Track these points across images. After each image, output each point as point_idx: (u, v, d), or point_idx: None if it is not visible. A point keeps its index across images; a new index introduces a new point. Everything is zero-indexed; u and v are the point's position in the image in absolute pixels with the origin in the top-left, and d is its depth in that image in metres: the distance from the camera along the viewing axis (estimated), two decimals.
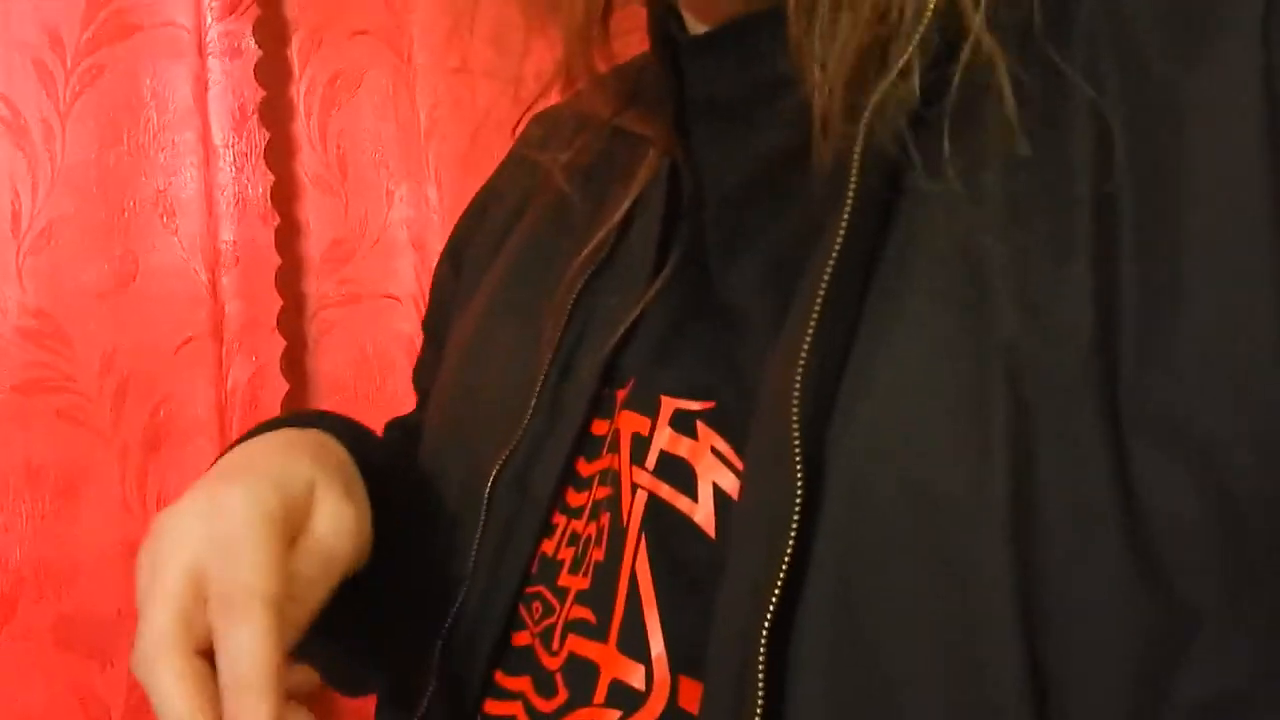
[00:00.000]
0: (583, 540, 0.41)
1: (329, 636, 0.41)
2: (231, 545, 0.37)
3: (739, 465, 0.37)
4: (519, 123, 0.55)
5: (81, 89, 0.92)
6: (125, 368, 0.94)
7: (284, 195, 0.96)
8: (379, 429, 0.60)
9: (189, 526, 0.38)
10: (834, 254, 0.33)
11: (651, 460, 0.39)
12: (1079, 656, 0.28)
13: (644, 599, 0.37)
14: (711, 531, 0.37)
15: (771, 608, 0.31)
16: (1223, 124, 0.30)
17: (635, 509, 0.39)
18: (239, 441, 0.47)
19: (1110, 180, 0.31)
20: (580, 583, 0.40)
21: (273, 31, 0.95)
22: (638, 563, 0.38)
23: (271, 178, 0.93)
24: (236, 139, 0.93)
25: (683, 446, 0.39)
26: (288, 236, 0.97)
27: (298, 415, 0.53)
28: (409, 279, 0.99)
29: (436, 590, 0.45)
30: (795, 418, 0.32)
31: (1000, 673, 0.29)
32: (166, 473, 0.95)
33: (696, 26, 0.44)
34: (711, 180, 0.43)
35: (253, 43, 0.92)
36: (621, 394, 0.42)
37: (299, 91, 0.97)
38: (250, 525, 0.37)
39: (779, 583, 0.31)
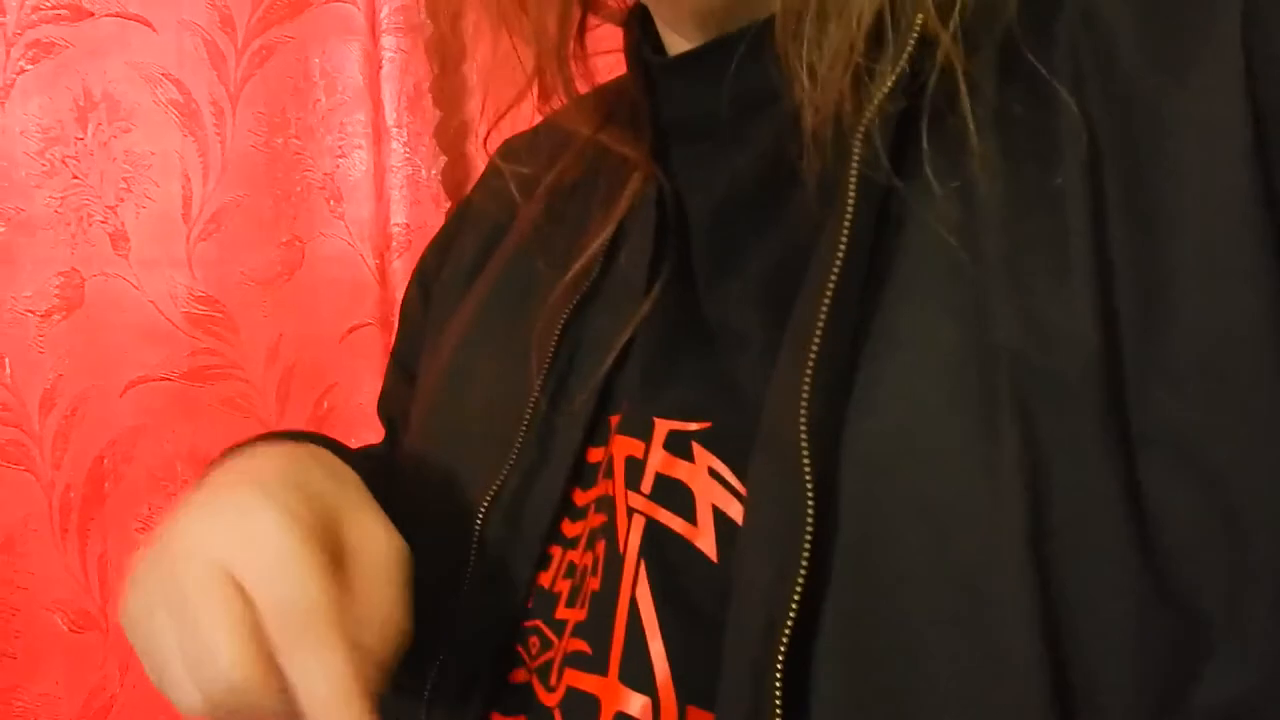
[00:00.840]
0: (580, 571, 0.40)
1: None
2: (267, 552, 0.34)
3: (738, 486, 0.36)
4: (487, 135, 0.53)
5: (252, 70, 0.90)
6: (291, 356, 0.92)
7: (456, 177, 0.93)
8: None
9: (206, 530, 0.35)
10: (835, 270, 0.33)
11: (647, 484, 0.38)
12: (1099, 670, 0.28)
13: (646, 627, 0.36)
14: (713, 555, 0.36)
15: (786, 636, 0.30)
16: (1207, 134, 0.30)
17: (632, 535, 0.38)
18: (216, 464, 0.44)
19: (1101, 192, 0.31)
20: (578, 614, 0.39)
21: (446, 6, 0.92)
22: (638, 589, 0.37)
23: (444, 159, 0.90)
24: (410, 118, 0.89)
25: (679, 469, 0.38)
26: None
27: (274, 435, 0.49)
28: None
29: (419, 628, 0.42)
30: (804, 438, 0.31)
31: (1022, 691, 0.28)
32: None
33: (676, 46, 0.43)
34: (694, 201, 0.42)
35: (426, 19, 0.89)
36: (615, 419, 0.41)
37: (473, 69, 0.93)
38: (284, 531, 0.34)
39: (792, 609, 0.30)
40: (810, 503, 0.31)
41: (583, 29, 0.47)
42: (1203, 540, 0.28)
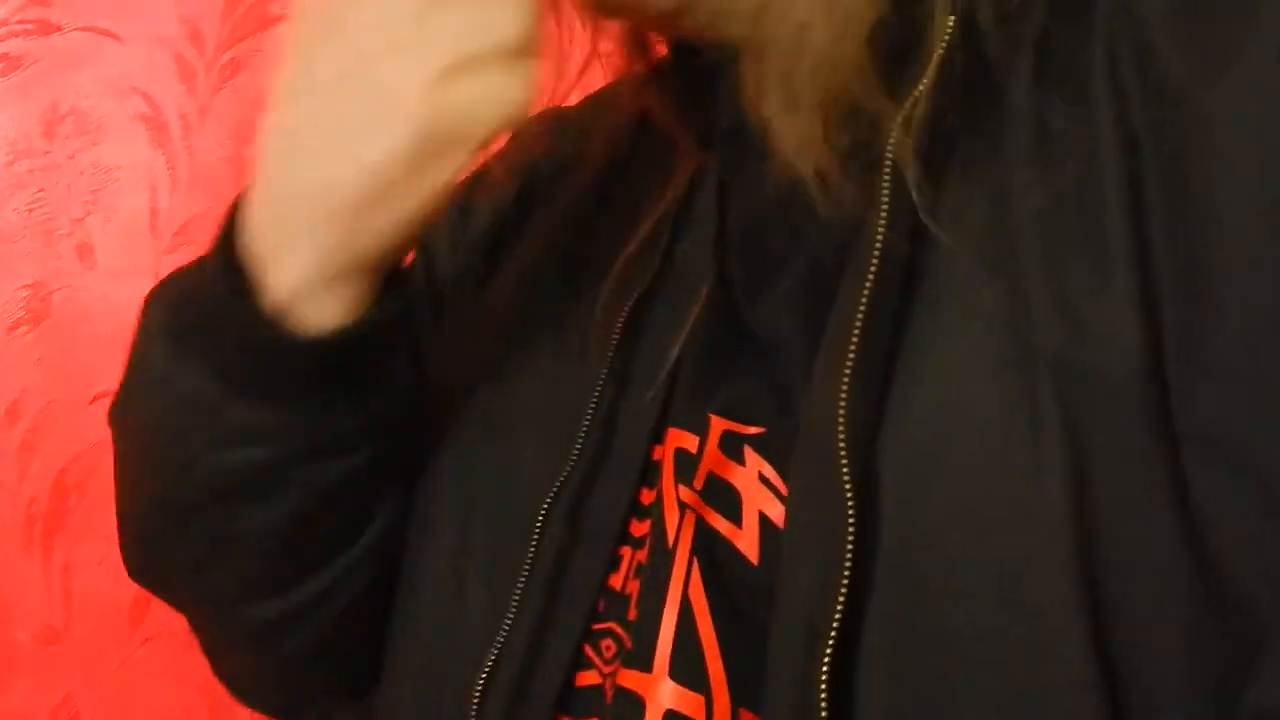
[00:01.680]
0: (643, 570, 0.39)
1: None
2: None
3: (785, 493, 0.35)
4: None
5: (220, 83, 0.91)
6: None
7: None
8: None
9: None
10: (869, 276, 0.32)
11: (699, 481, 0.38)
12: (1150, 675, 0.28)
13: (700, 625, 0.36)
14: (754, 558, 0.36)
15: (830, 646, 0.30)
16: (1248, 131, 0.30)
17: (684, 530, 0.37)
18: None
19: (1140, 190, 0.31)
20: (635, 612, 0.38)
21: None
22: (690, 587, 0.36)
23: None
24: None
25: (731, 471, 0.37)
26: None
27: None
28: None
29: (463, 630, 0.41)
30: (842, 443, 0.31)
31: (1071, 698, 0.28)
32: None
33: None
34: (734, 202, 0.41)
35: None
36: (669, 415, 0.40)
37: None
38: None
39: (836, 618, 0.30)
40: (851, 511, 0.31)
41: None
42: (1252, 541, 0.28)
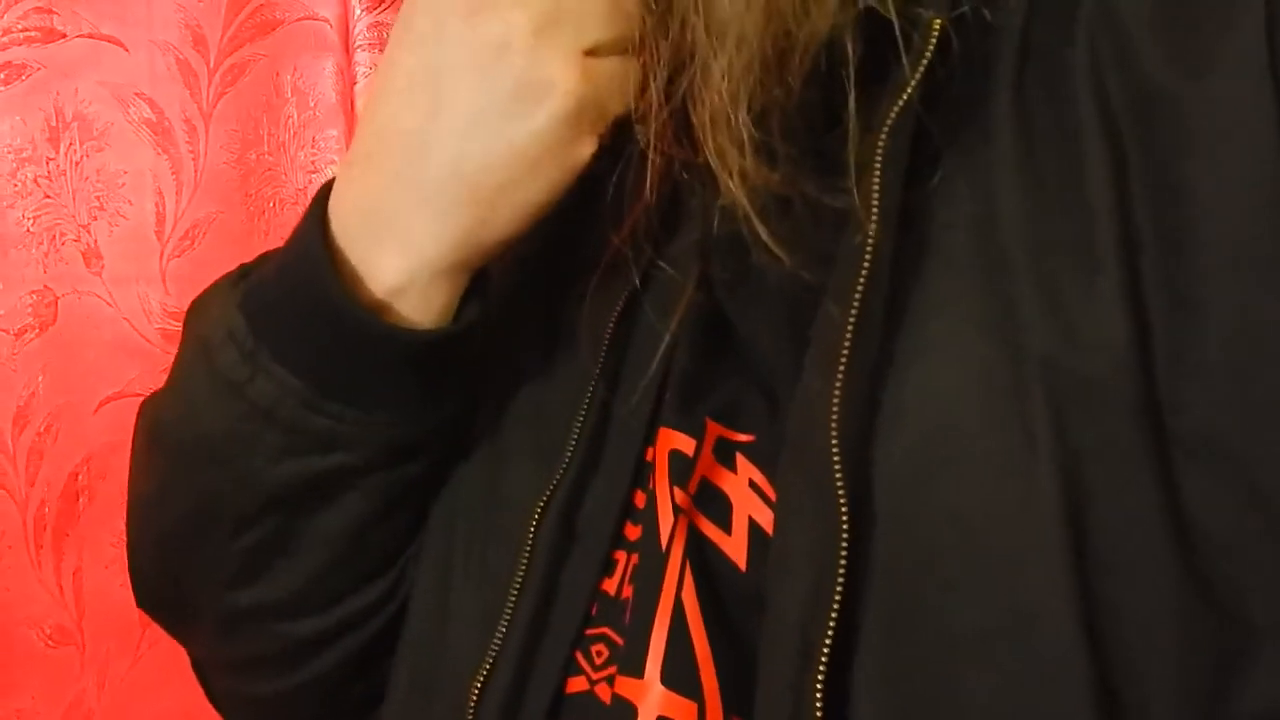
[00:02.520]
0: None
1: None
2: None
3: (774, 499, 0.35)
4: None
5: (224, 88, 0.91)
6: None
7: None
8: None
9: None
10: (860, 281, 0.32)
11: (694, 485, 0.37)
12: (1143, 677, 0.28)
13: (693, 631, 0.35)
14: (742, 564, 0.35)
15: (825, 655, 0.30)
16: (1233, 129, 0.30)
17: (678, 534, 0.37)
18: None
19: (1125, 191, 0.30)
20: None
21: None
22: (684, 592, 0.36)
23: None
24: None
25: (723, 478, 0.37)
26: None
27: None
28: None
29: (457, 640, 0.41)
30: (835, 450, 0.31)
31: (1067, 702, 0.28)
32: None
33: None
34: (714, 204, 0.40)
35: None
36: (660, 415, 0.40)
37: None
38: None
39: (830, 628, 0.30)
40: (845, 519, 0.30)
41: None
42: (1244, 542, 0.28)
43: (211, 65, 0.90)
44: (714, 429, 0.38)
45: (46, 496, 0.89)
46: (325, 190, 0.40)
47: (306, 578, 0.42)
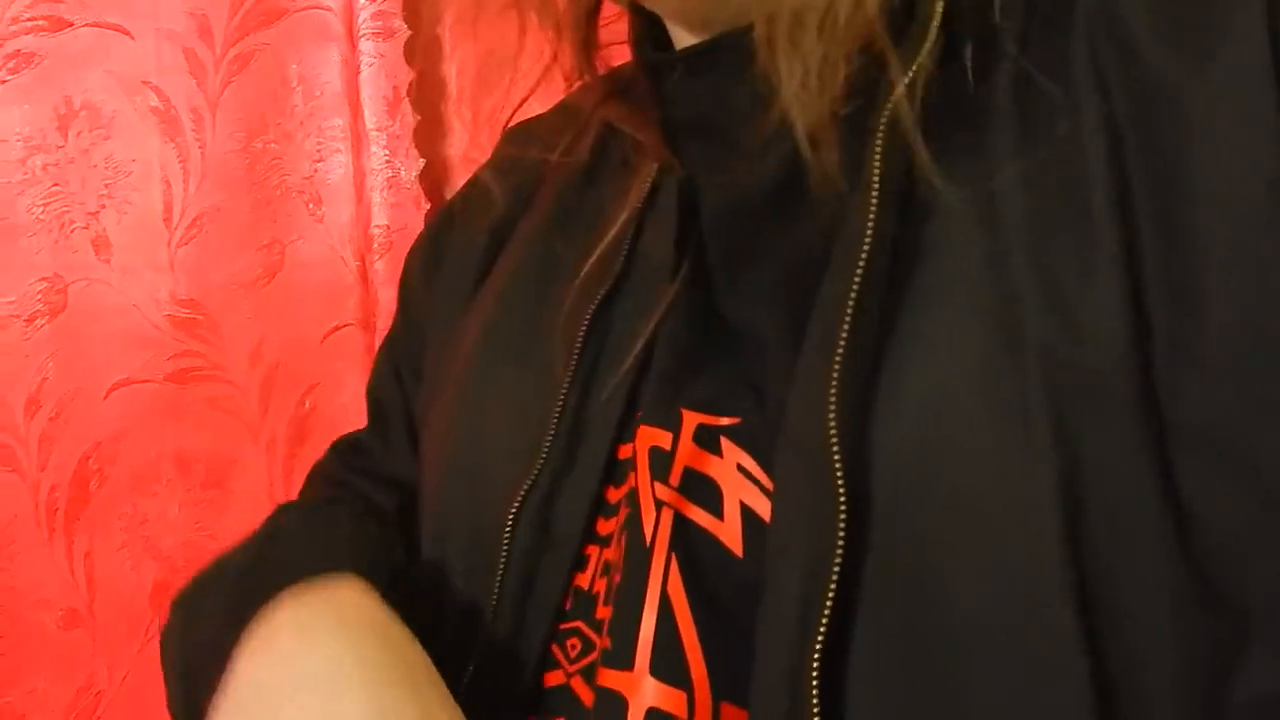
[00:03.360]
0: (612, 568, 0.39)
1: None
2: None
3: (766, 483, 0.35)
4: (509, 118, 0.53)
5: (230, 77, 0.92)
6: (273, 357, 0.93)
7: (434, 179, 0.94)
8: None
9: None
10: (859, 268, 0.32)
11: (676, 477, 0.37)
12: (1139, 662, 0.28)
13: (680, 621, 0.35)
14: (738, 550, 0.35)
15: (820, 639, 0.30)
16: (1233, 122, 0.30)
17: (662, 527, 0.37)
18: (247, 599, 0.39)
19: (1125, 183, 0.31)
20: (609, 612, 0.38)
21: (423, 9, 0.93)
22: (669, 584, 0.36)
23: (422, 161, 0.92)
24: (389, 122, 0.91)
25: (708, 464, 0.37)
26: None
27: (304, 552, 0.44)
28: None
29: (453, 644, 0.42)
30: (834, 440, 0.31)
31: (1064, 690, 0.28)
32: (312, 464, 0.94)
33: (681, 39, 0.42)
34: (709, 199, 0.41)
35: (404, 23, 0.90)
36: (641, 413, 0.40)
37: (450, 72, 0.95)
38: None
39: (825, 612, 0.30)
40: (842, 505, 0.30)
41: (595, 11, 0.46)
42: (1240, 535, 0.28)
43: (217, 54, 0.91)
44: (692, 418, 0.38)
45: (57, 481, 0.90)
46: None
47: None
